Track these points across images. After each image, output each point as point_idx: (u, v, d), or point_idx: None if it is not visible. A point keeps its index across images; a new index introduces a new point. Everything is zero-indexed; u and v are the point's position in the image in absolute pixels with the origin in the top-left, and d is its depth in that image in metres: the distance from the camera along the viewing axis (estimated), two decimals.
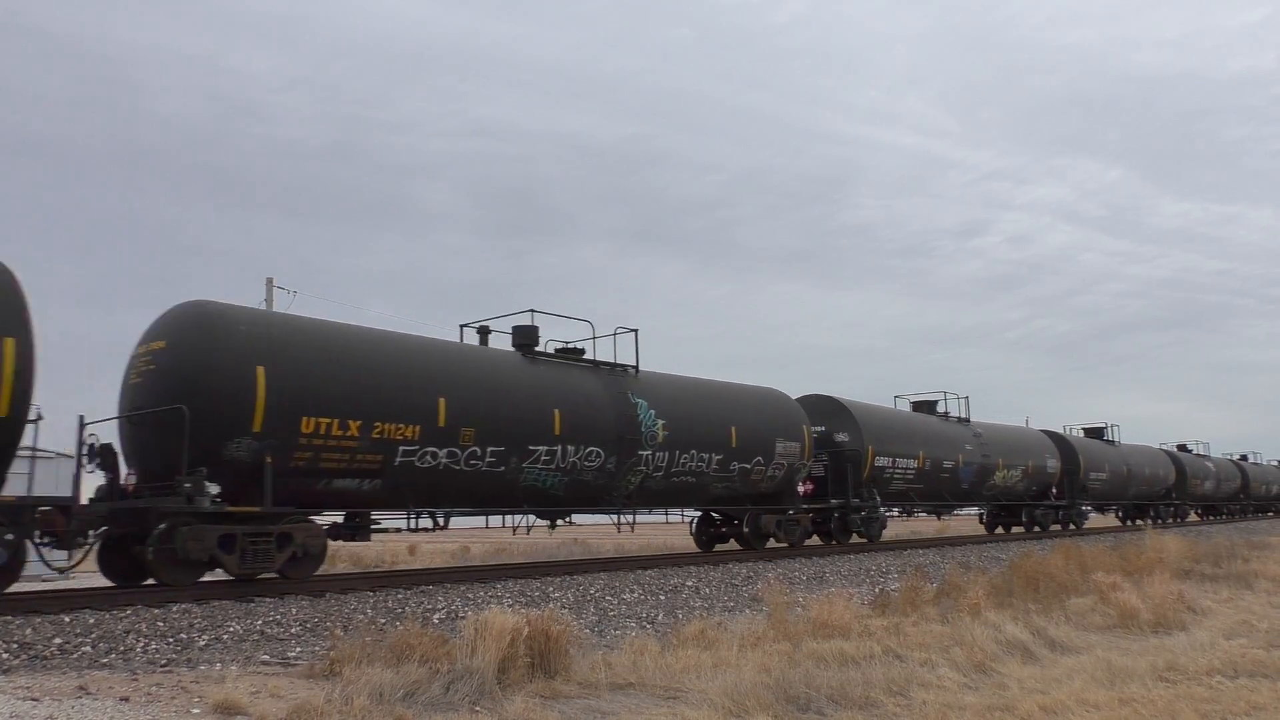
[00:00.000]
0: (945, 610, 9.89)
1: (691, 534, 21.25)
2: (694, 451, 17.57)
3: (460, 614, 9.90)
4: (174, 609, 9.86)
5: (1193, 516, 43.12)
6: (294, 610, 10.04)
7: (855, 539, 22.34)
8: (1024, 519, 29.55)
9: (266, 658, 7.64)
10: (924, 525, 42.13)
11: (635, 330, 17.13)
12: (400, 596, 11.61)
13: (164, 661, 7.37)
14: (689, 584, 13.69)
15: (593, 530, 33.09)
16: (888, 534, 25.33)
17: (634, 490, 16.80)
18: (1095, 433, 36.06)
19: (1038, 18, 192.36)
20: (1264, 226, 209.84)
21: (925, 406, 27.04)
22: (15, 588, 11.17)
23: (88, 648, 7.73)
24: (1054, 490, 30.56)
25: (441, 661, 6.39)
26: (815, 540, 21.95)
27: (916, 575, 12.77)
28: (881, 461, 22.45)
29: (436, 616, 10.05)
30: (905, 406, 26.93)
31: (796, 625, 8.67)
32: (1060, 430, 33.38)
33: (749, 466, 18.77)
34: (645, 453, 16.54)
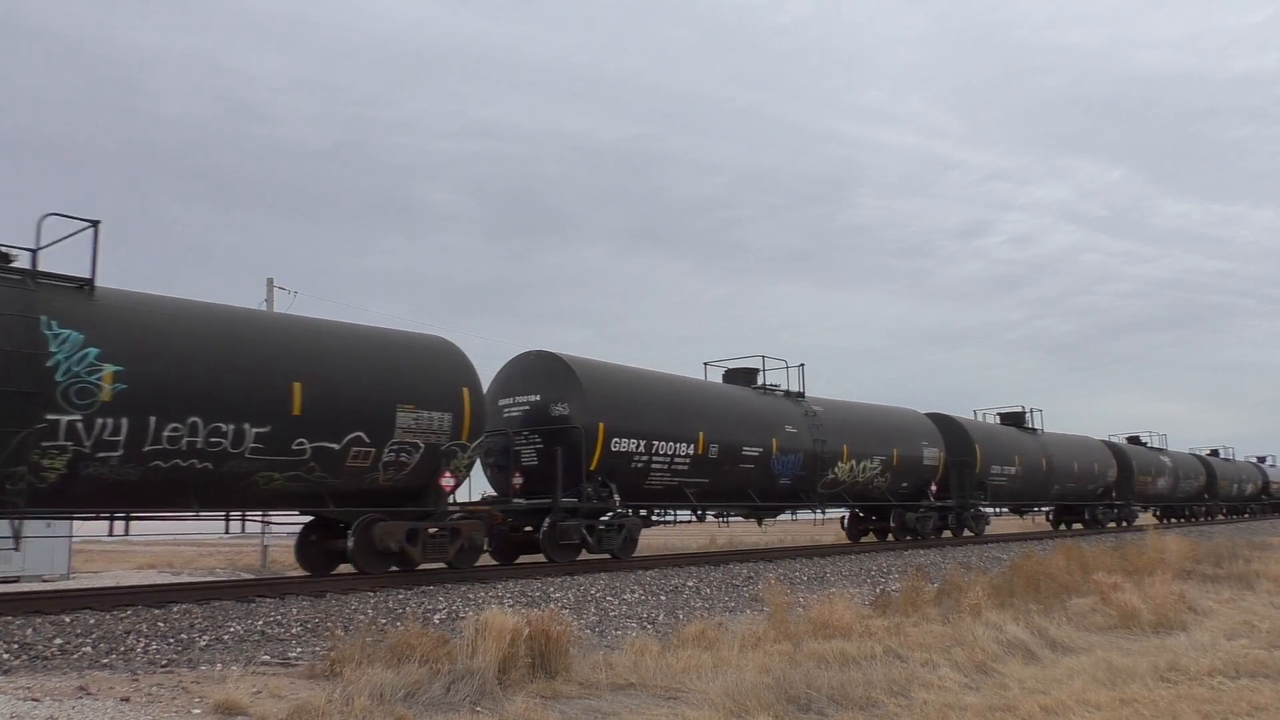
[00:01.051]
0: (946, 610, 9.88)
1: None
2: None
3: (461, 614, 9.89)
4: (174, 609, 9.86)
5: (1146, 519, 37.15)
6: (294, 610, 10.04)
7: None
8: (893, 523, 23.89)
9: (267, 658, 7.64)
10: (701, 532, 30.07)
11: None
12: (401, 597, 11.60)
13: (165, 662, 7.37)
14: (689, 584, 13.69)
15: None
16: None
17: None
18: (1013, 419, 30.60)
19: (1040, 18, 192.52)
20: (1265, 227, 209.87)
21: (739, 376, 21.04)
22: (15, 588, 11.16)
23: (88, 648, 7.73)
24: (934, 487, 24.86)
25: (442, 662, 6.39)
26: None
27: (917, 575, 12.77)
28: (623, 446, 16.05)
29: (437, 617, 10.05)
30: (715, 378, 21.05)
31: (797, 625, 8.67)
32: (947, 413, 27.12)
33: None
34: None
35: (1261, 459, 48.47)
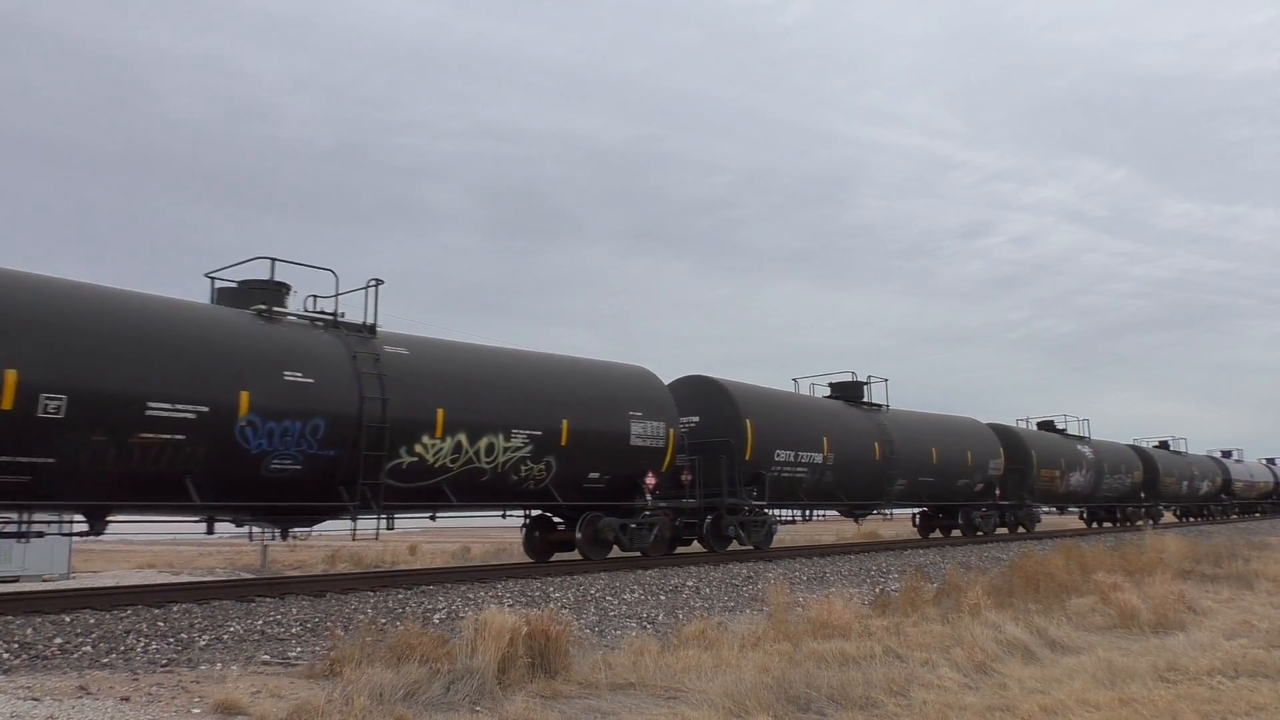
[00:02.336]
0: (945, 610, 9.89)
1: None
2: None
3: (460, 614, 9.90)
4: (174, 609, 9.87)
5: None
6: (294, 610, 10.04)
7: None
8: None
9: (267, 658, 7.64)
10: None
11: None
12: (401, 596, 11.61)
13: (164, 661, 7.38)
14: (689, 584, 13.69)
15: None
16: None
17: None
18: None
19: (1042, 19, 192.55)
20: (1266, 227, 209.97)
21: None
22: (16, 588, 11.17)
23: (88, 648, 7.73)
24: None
25: (442, 661, 6.39)
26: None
27: (917, 575, 12.76)
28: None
29: (437, 616, 10.05)
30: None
31: (797, 625, 8.67)
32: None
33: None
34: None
35: (1227, 453, 49.68)
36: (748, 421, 18.72)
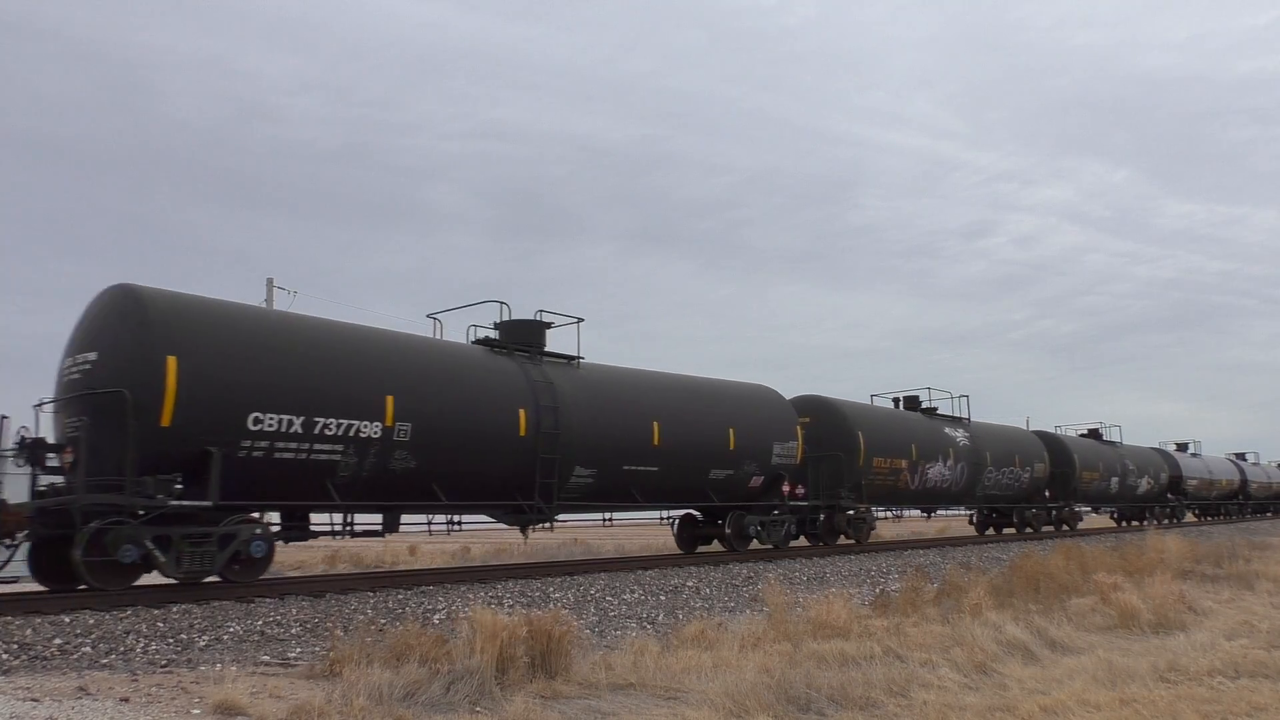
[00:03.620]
0: (946, 610, 9.88)
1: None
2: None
3: (460, 614, 9.89)
4: (174, 609, 9.86)
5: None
6: (294, 611, 10.04)
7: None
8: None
9: (266, 658, 7.64)
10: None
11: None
12: (400, 597, 11.61)
13: (164, 662, 7.37)
14: (689, 584, 13.68)
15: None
16: None
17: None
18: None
19: (1046, 20, 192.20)
20: (1268, 227, 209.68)
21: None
22: (16, 588, 11.19)
23: (88, 648, 7.73)
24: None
25: (441, 662, 6.39)
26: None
27: (917, 576, 12.76)
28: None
29: (436, 617, 10.05)
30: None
31: (797, 626, 8.66)
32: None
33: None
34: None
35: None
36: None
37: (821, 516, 21.66)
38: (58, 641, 7.88)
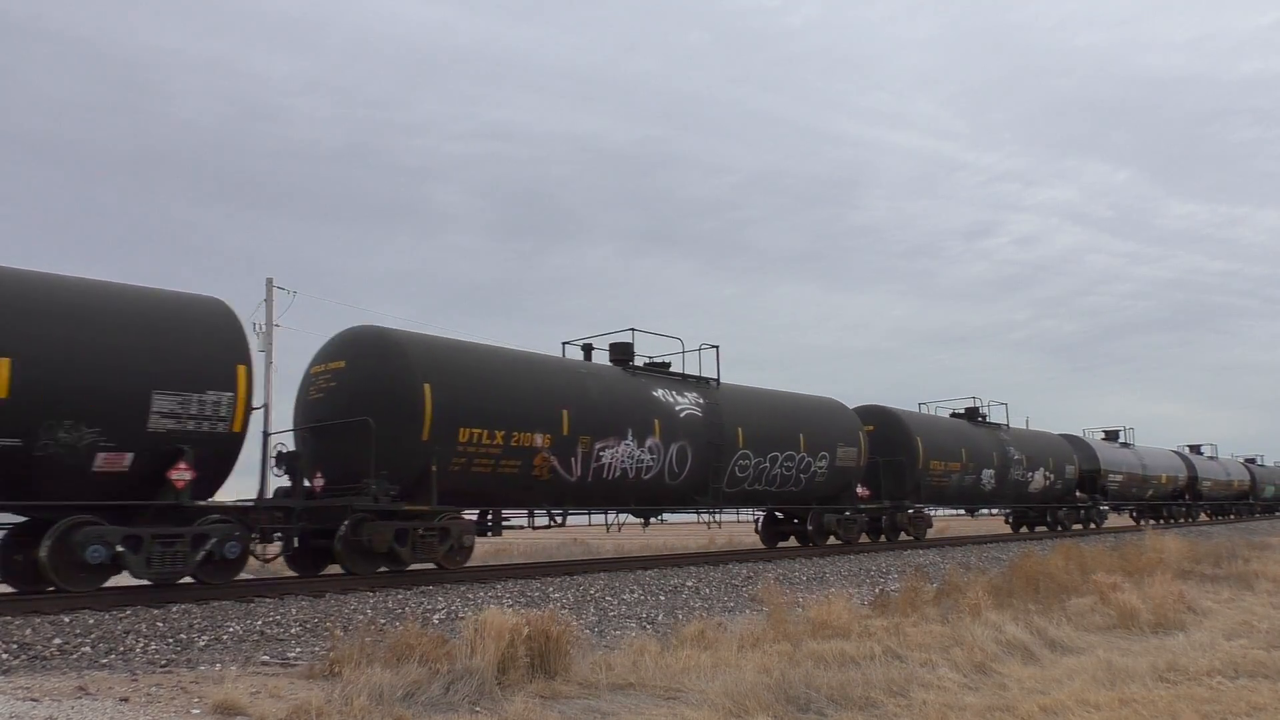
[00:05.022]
0: (945, 610, 9.88)
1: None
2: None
3: (460, 614, 9.89)
4: (174, 609, 9.86)
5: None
6: (294, 610, 10.04)
7: None
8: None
9: (266, 658, 7.64)
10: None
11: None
12: (400, 597, 11.60)
13: (164, 662, 7.37)
14: (689, 584, 13.68)
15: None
16: None
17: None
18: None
19: (1049, 21, 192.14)
20: (1269, 228, 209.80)
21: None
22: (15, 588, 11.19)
23: (87, 648, 7.73)
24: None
25: (441, 662, 6.39)
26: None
27: (916, 576, 12.77)
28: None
29: (436, 617, 10.05)
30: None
31: (796, 625, 8.66)
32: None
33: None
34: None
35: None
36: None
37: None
38: (57, 641, 7.88)
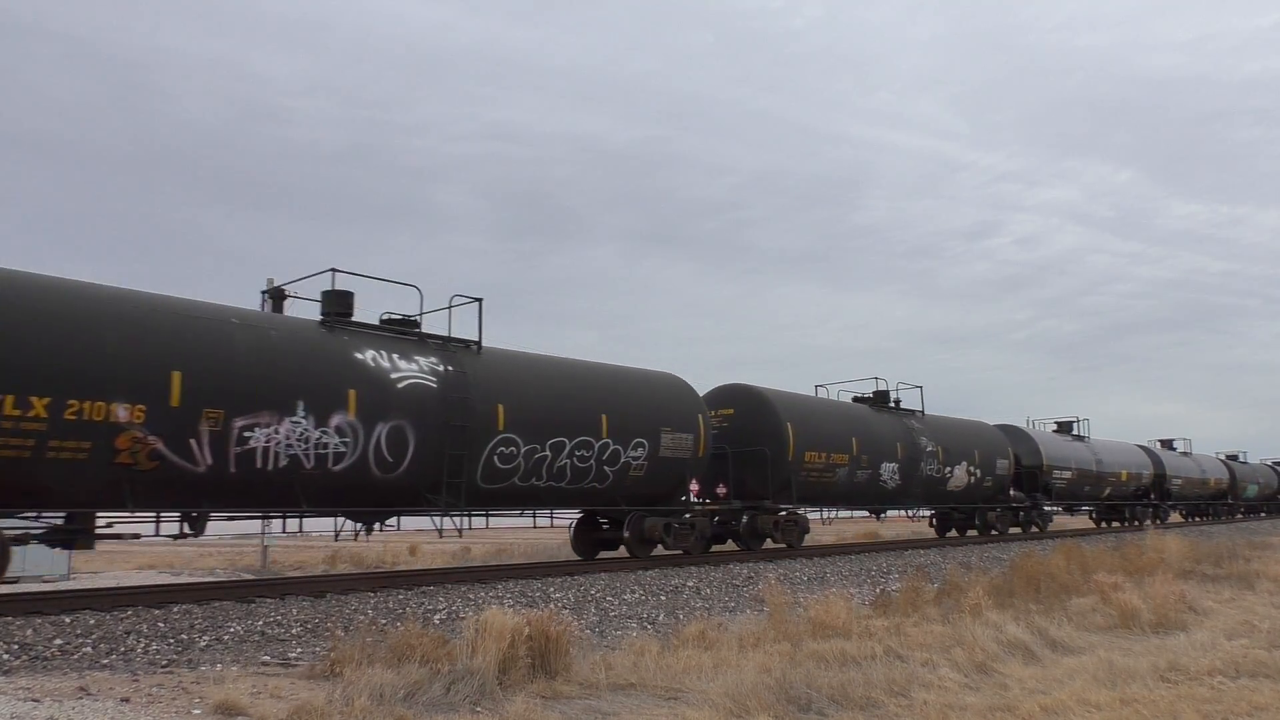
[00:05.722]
0: (946, 610, 9.88)
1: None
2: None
3: (461, 614, 9.89)
4: (174, 610, 9.86)
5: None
6: (295, 611, 10.04)
7: None
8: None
9: (267, 658, 7.64)
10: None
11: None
12: (401, 597, 11.61)
13: (165, 662, 7.37)
14: (689, 585, 13.68)
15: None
16: None
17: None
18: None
19: (1051, 22, 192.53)
20: (1270, 228, 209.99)
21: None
22: (15, 589, 11.18)
23: (88, 649, 7.73)
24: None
25: (442, 662, 6.39)
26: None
27: (917, 576, 12.76)
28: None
29: (437, 617, 10.05)
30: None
31: (797, 626, 8.66)
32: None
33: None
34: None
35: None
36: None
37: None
38: (58, 642, 7.88)
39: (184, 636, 8.41)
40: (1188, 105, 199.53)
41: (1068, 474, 31.36)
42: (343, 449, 12.61)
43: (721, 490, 19.10)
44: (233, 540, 34.62)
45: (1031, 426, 32.12)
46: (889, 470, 22.83)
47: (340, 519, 13.81)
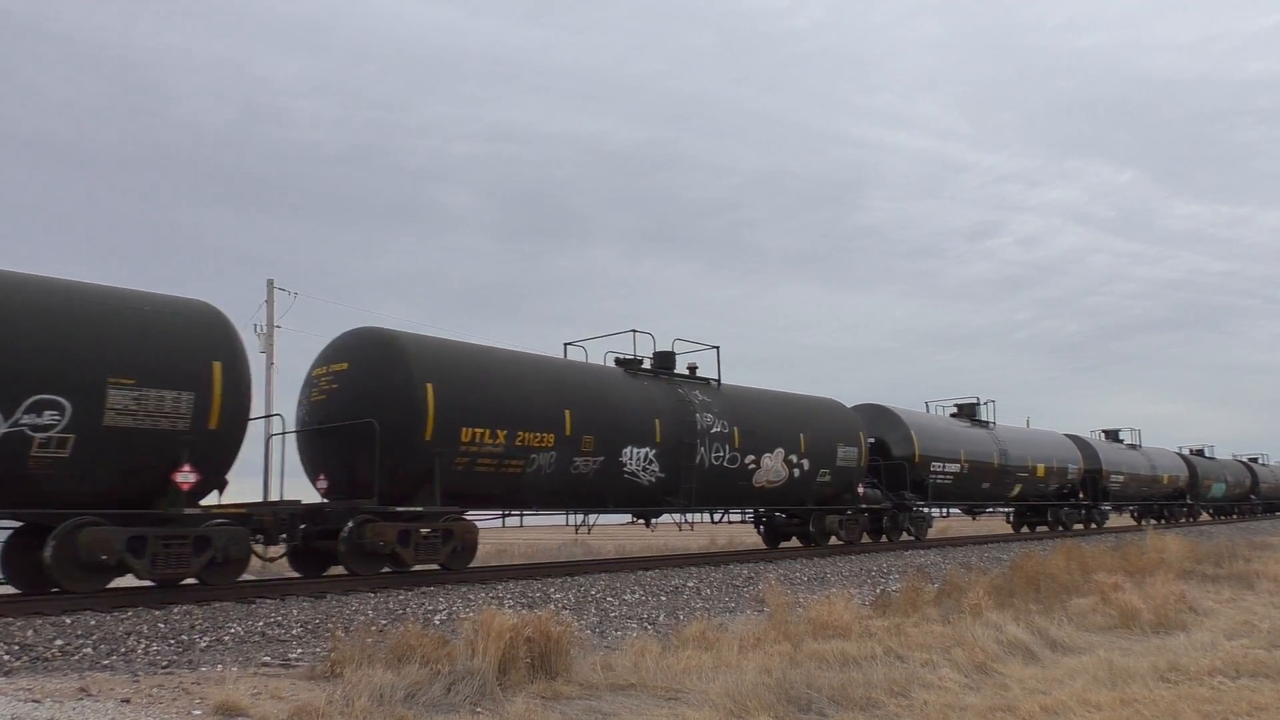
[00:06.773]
0: (946, 611, 9.88)
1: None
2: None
3: (461, 615, 9.89)
4: (175, 610, 9.86)
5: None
6: (295, 611, 10.04)
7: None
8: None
9: (268, 659, 7.64)
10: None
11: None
12: (401, 598, 11.61)
13: (165, 663, 7.37)
14: (690, 585, 13.68)
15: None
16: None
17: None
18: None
19: (1052, 22, 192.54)
20: (1272, 228, 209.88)
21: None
22: (14, 589, 11.18)
23: (89, 649, 7.73)
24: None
25: (442, 663, 6.39)
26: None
27: (917, 576, 12.76)
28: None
29: (437, 618, 10.05)
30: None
31: (797, 626, 8.66)
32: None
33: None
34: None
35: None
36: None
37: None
38: (59, 643, 7.88)
39: (184, 637, 8.41)
40: (1189, 106, 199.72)
41: (955, 467, 25.19)
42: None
43: (322, 483, 14.18)
44: None
45: (927, 411, 27.63)
46: (638, 458, 16.52)
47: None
